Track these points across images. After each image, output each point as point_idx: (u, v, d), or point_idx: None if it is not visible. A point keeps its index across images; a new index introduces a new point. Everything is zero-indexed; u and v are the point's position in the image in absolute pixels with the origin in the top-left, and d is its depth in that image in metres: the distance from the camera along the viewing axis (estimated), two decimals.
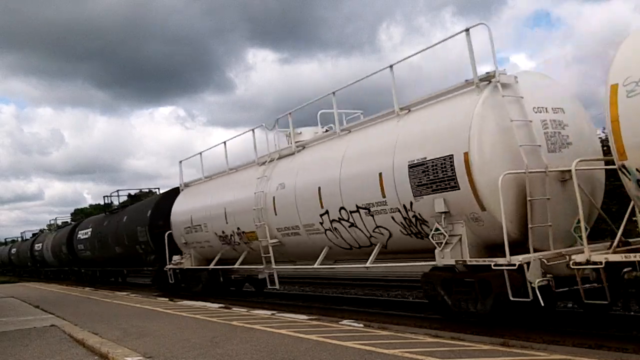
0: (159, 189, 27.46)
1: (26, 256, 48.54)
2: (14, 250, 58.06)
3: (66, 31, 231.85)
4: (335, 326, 9.24)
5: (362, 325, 9.28)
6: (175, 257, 18.72)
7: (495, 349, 6.73)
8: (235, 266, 15.71)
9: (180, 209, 19.08)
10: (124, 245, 23.83)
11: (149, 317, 12.38)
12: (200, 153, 18.75)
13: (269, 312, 11.92)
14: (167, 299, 17.16)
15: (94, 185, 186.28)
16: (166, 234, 19.10)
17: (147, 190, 32.65)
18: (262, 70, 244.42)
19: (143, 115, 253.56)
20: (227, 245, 16.11)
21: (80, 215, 65.70)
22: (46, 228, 60.37)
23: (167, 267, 18.89)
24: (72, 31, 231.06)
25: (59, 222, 48.15)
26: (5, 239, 75.15)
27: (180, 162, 19.94)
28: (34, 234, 57.79)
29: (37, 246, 44.40)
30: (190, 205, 18.29)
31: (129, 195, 31.24)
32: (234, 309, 13.07)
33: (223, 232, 15.95)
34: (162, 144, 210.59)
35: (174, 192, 20.63)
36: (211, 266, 17.08)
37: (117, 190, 29.10)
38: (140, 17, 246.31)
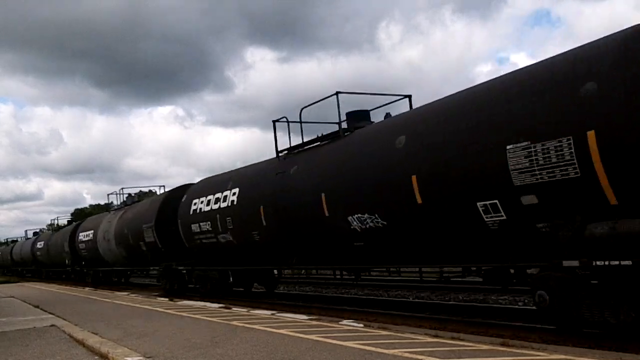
0: (411, 97, 12.79)
1: (60, 252, 34.06)
2: (40, 245, 40.79)
3: (64, 30, 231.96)
4: (335, 326, 9.24)
5: (362, 325, 9.29)
6: None
7: (495, 349, 6.73)
8: None
9: None
10: (409, 206, 9.67)
11: (149, 317, 12.38)
12: None
13: (268, 312, 11.93)
14: (167, 299, 17.16)
15: (93, 185, 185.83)
16: None
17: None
18: (261, 69, 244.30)
19: (142, 114, 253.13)
20: None
21: (81, 214, 61.17)
22: (45, 228, 58.03)
23: None
24: (69, 30, 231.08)
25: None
26: (26, 231, 56.06)
27: None
28: (70, 220, 43.84)
29: (84, 236, 29.59)
30: None
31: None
32: (234, 309, 13.08)
33: None
34: (161, 143, 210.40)
35: None
36: None
37: (308, 106, 13.47)
38: (139, 16, 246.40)
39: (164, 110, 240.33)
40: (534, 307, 11.76)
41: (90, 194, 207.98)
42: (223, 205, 15.69)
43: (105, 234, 25.77)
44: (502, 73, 8.83)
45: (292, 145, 13.93)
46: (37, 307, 16.94)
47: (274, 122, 14.22)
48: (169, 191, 21.61)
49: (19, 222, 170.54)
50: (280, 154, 14.25)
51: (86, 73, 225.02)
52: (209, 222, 16.39)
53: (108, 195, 25.99)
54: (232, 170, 17.21)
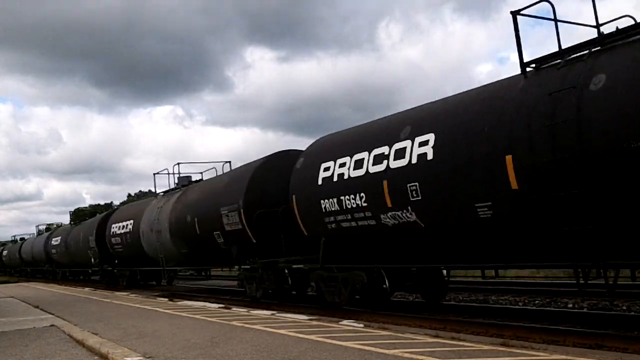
0: None
1: (84, 249, 27.65)
2: (56, 241, 34.03)
3: (63, 29, 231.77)
4: (335, 326, 9.24)
5: (362, 325, 9.29)
6: None
7: (495, 349, 6.73)
8: None
9: None
10: None
11: (149, 317, 12.38)
12: None
13: (268, 312, 11.93)
14: (167, 299, 17.16)
15: (93, 185, 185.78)
16: None
17: None
18: (261, 68, 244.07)
19: (141, 114, 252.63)
20: None
21: (81, 214, 59.53)
22: (44, 229, 56.76)
23: None
24: (69, 29, 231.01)
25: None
26: (37, 226, 50.37)
27: None
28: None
29: (118, 227, 23.87)
30: None
31: None
32: (233, 309, 13.08)
33: None
34: (160, 143, 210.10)
35: None
36: None
37: None
38: (138, 15, 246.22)
39: (163, 110, 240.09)
40: (533, 307, 11.80)
41: (89, 194, 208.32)
42: (396, 164, 10.10)
43: (153, 224, 19.89)
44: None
45: (563, 48, 8.04)
46: (37, 307, 16.94)
47: (512, 12, 8.49)
48: (265, 158, 15.28)
49: (19, 222, 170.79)
50: (529, 66, 8.50)
51: (85, 73, 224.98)
52: (362, 195, 10.84)
53: (154, 174, 21.69)
54: (398, 113, 11.48)
